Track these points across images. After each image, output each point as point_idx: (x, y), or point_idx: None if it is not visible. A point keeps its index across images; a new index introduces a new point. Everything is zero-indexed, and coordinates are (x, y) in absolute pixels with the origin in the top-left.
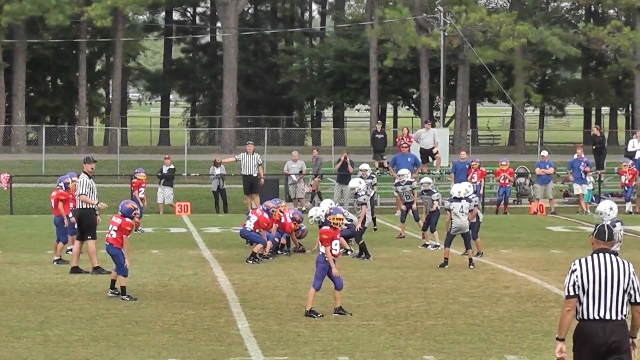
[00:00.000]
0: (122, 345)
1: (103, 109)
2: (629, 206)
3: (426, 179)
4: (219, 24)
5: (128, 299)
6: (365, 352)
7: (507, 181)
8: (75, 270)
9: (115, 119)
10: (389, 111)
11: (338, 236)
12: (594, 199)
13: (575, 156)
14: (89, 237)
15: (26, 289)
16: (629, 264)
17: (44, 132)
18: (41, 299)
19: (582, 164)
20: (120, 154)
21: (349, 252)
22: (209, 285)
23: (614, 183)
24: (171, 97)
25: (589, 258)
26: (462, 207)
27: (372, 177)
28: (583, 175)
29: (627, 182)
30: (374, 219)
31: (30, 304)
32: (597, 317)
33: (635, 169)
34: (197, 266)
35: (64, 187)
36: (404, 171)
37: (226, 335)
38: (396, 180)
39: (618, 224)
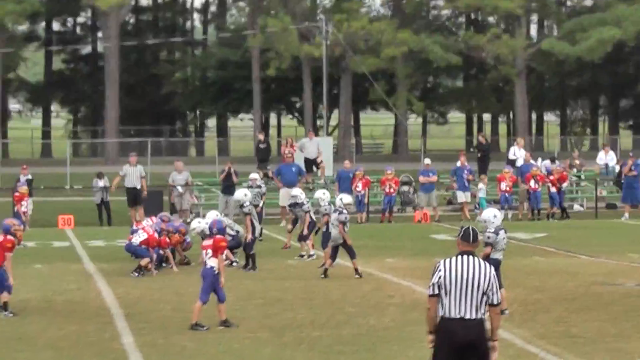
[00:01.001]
0: None
1: None
2: (501, 214)
3: (295, 191)
4: (100, 34)
5: (11, 315)
6: None
7: (392, 190)
8: None
9: None
10: (273, 120)
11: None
12: (477, 206)
13: (459, 164)
14: None
15: None
16: (490, 267)
17: None
18: None
19: (466, 171)
20: (1, 167)
21: (234, 264)
22: (94, 299)
23: (494, 190)
24: (52, 108)
25: (453, 259)
26: (336, 219)
27: (261, 187)
28: (466, 183)
29: (507, 188)
30: (260, 230)
31: None
32: (457, 316)
33: (514, 176)
34: (81, 280)
35: None
36: (296, 191)
37: (110, 350)
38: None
39: (502, 232)
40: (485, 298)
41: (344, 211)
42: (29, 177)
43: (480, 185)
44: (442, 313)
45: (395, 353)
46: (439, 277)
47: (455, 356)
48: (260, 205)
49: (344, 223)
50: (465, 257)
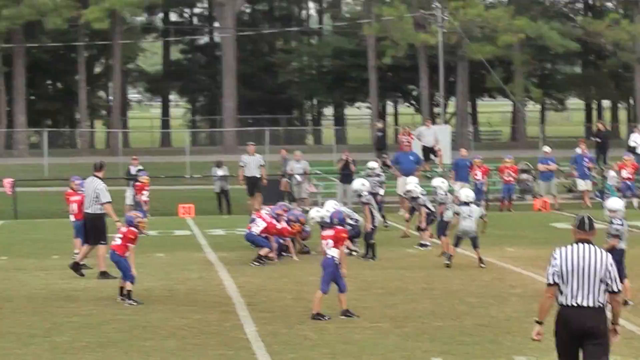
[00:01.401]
0: (130, 351)
1: (104, 112)
2: (636, 202)
3: (410, 185)
4: (216, 24)
5: (135, 304)
6: (373, 355)
7: (511, 178)
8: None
9: (116, 121)
10: (390, 108)
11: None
12: (597, 194)
13: (579, 151)
14: (101, 242)
15: (33, 295)
16: (607, 255)
17: (46, 136)
18: (48, 305)
19: (586, 159)
20: (122, 156)
21: (353, 253)
22: (215, 288)
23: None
24: (171, 98)
25: (569, 247)
26: (470, 211)
27: (380, 175)
28: (587, 171)
29: (628, 176)
30: (383, 217)
31: (37, 310)
32: (574, 304)
33: (636, 163)
34: (203, 269)
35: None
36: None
37: (233, 340)
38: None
39: (625, 222)
40: (603, 286)
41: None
42: (140, 167)
43: (612, 172)
44: (559, 302)
45: (518, 345)
46: (556, 266)
47: (574, 343)
48: (382, 193)
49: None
50: (581, 245)
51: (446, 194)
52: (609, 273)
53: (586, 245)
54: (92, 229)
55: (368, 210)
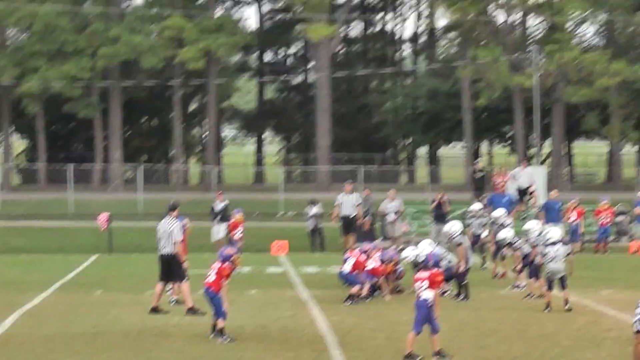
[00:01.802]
0: None
1: (199, 148)
2: None
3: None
4: (311, 64)
5: (227, 340)
6: None
7: (607, 220)
8: (155, 310)
9: (210, 157)
10: (484, 148)
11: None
12: None
13: None
14: (184, 279)
15: (127, 330)
16: None
17: (141, 171)
18: (142, 340)
19: None
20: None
21: (446, 293)
22: (308, 326)
23: None
24: (265, 135)
25: None
26: (557, 250)
27: (483, 216)
28: None
29: None
30: (483, 258)
31: (132, 345)
32: None
33: None
34: (295, 307)
35: (182, 229)
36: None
37: None
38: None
39: None
40: None
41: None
42: (226, 202)
43: None
44: None
45: None
46: None
47: None
48: (485, 234)
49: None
50: None
51: (538, 237)
52: None
53: None
54: (169, 269)
55: (462, 250)
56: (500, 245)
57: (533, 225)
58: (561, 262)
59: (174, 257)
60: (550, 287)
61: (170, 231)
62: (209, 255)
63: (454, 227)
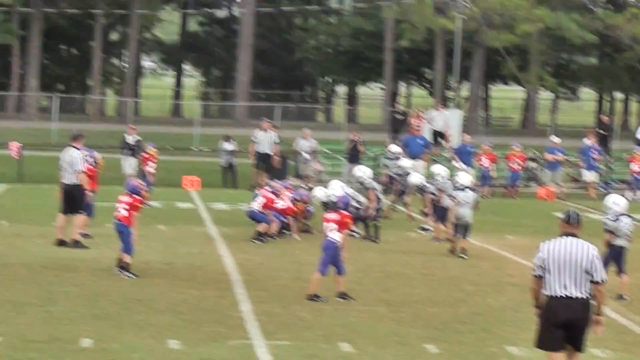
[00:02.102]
0: (124, 324)
1: (116, 79)
2: (630, 195)
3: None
4: None
5: (131, 276)
6: (366, 339)
7: (518, 166)
8: (61, 243)
9: (129, 89)
10: (403, 90)
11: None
12: (604, 185)
13: (587, 142)
14: (80, 212)
15: (31, 263)
16: (592, 247)
17: (57, 101)
18: (45, 273)
19: (593, 151)
20: (133, 124)
21: (355, 235)
22: (214, 264)
23: (622, 169)
24: (185, 68)
25: (555, 241)
26: (467, 196)
27: (399, 158)
28: (593, 163)
29: (638, 169)
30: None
31: (35, 278)
32: (560, 295)
33: None
34: (203, 244)
35: (93, 163)
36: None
37: (228, 318)
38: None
39: (623, 218)
40: (588, 277)
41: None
42: (138, 137)
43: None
44: (547, 292)
45: (510, 335)
46: (542, 259)
47: (559, 332)
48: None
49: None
50: (567, 238)
51: (446, 181)
52: (593, 264)
53: (572, 238)
54: (70, 200)
55: (373, 194)
56: (403, 191)
57: (440, 170)
58: (469, 208)
59: (75, 188)
60: (456, 232)
61: (72, 161)
62: (120, 189)
63: (364, 171)
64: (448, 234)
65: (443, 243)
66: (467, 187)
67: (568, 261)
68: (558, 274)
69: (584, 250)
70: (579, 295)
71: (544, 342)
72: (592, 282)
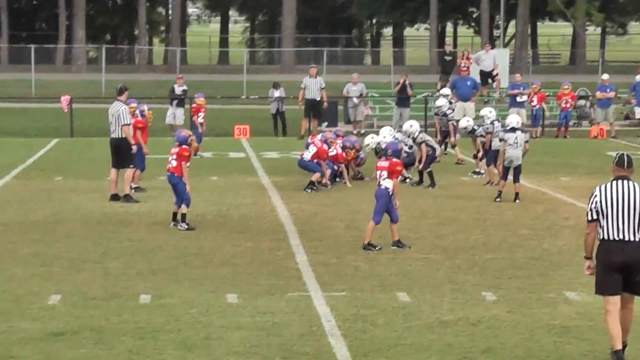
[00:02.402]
0: (181, 278)
1: (162, 28)
2: None
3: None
4: None
5: (187, 227)
6: (423, 287)
7: (568, 105)
8: (114, 197)
9: (174, 38)
10: (449, 31)
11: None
12: None
13: (638, 78)
14: (130, 166)
15: (87, 219)
16: None
17: (104, 52)
18: (101, 229)
19: None
20: (180, 73)
21: (407, 180)
22: (268, 214)
23: None
24: (230, 14)
25: (609, 184)
26: (516, 138)
27: (452, 102)
28: None
29: None
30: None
31: (91, 234)
32: (616, 238)
33: None
34: (256, 194)
35: (140, 115)
36: (441, 102)
37: (285, 269)
38: (435, 111)
39: None
40: None
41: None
42: (185, 87)
43: None
44: (602, 236)
45: (568, 280)
46: (596, 202)
47: (616, 276)
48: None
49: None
50: (620, 181)
51: (493, 123)
52: None
53: (625, 181)
54: (117, 153)
55: (424, 148)
56: (446, 131)
57: (486, 112)
58: (520, 150)
59: (122, 141)
60: (505, 176)
61: (118, 115)
62: (170, 139)
63: (413, 126)
64: (493, 177)
65: (496, 187)
66: (516, 129)
67: (622, 205)
68: (613, 217)
69: (639, 194)
70: (634, 238)
71: (602, 286)
72: None
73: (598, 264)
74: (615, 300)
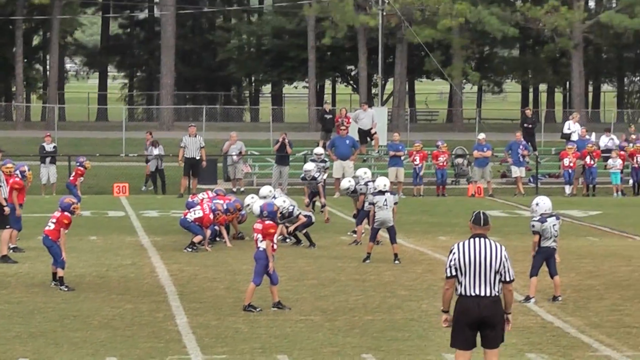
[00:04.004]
0: (61, 342)
1: (40, 85)
2: (568, 189)
3: (359, 171)
4: (156, 0)
5: (66, 289)
6: (303, 349)
7: (445, 163)
8: (4, 259)
9: (52, 95)
10: (327, 88)
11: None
12: (531, 179)
13: (514, 138)
14: (7, 227)
15: None
16: (501, 248)
17: None
18: None
19: (521, 147)
20: (58, 130)
21: (286, 240)
22: (148, 276)
23: (550, 163)
24: (109, 69)
25: (466, 242)
26: (385, 200)
27: (325, 162)
28: (521, 158)
29: (571, 164)
30: (323, 204)
31: None
32: (472, 294)
33: (578, 152)
34: (136, 255)
35: (20, 176)
36: (309, 166)
37: (165, 332)
38: (302, 175)
39: (551, 219)
40: (498, 276)
41: (394, 193)
42: (54, 144)
43: (616, 161)
44: (459, 292)
45: (446, 341)
46: (454, 260)
47: (471, 330)
48: (324, 178)
49: (373, 204)
50: (477, 239)
51: (366, 184)
52: (503, 265)
53: (482, 239)
54: None
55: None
56: (314, 193)
57: (361, 173)
58: (390, 211)
59: None
60: (374, 238)
61: None
62: (47, 197)
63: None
64: (360, 237)
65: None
66: (385, 191)
67: (479, 262)
68: (470, 274)
69: (495, 251)
70: (491, 294)
71: (455, 340)
72: (502, 282)
73: (455, 318)
74: (465, 355)
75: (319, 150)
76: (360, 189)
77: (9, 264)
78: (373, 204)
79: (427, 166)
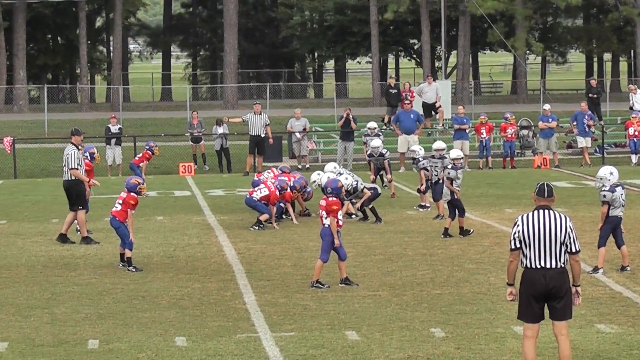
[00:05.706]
0: (130, 322)
1: (104, 66)
2: (635, 158)
3: (415, 146)
4: None
5: (134, 270)
6: (372, 325)
7: (513, 135)
8: (62, 238)
9: (116, 76)
10: (391, 63)
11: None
12: (597, 149)
13: (580, 108)
14: (79, 207)
15: (32, 263)
16: (566, 218)
17: (45, 91)
18: (47, 273)
19: (586, 117)
20: (123, 111)
21: (353, 216)
22: (215, 255)
23: (616, 132)
24: (172, 50)
25: (530, 214)
26: (457, 173)
27: (379, 135)
28: (587, 128)
29: (636, 133)
30: (390, 181)
31: (37, 279)
32: (538, 266)
33: None
34: (202, 234)
35: (89, 157)
36: (376, 142)
37: (233, 310)
38: (368, 152)
39: (619, 189)
40: (564, 248)
41: (452, 167)
42: (120, 126)
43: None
44: (524, 265)
45: (515, 314)
46: (518, 232)
47: (538, 303)
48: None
49: (451, 180)
50: (541, 211)
51: (427, 159)
52: (568, 236)
53: (546, 210)
54: (68, 195)
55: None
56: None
57: (416, 149)
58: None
59: (70, 184)
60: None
61: (67, 158)
62: (113, 179)
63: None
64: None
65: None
66: (457, 162)
67: (544, 233)
68: (535, 246)
69: (560, 222)
70: (556, 266)
71: (523, 313)
72: (569, 253)
73: (521, 291)
74: (533, 328)
75: (372, 124)
76: (422, 164)
77: (91, 245)
78: (451, 178)
79: (493, 138)
